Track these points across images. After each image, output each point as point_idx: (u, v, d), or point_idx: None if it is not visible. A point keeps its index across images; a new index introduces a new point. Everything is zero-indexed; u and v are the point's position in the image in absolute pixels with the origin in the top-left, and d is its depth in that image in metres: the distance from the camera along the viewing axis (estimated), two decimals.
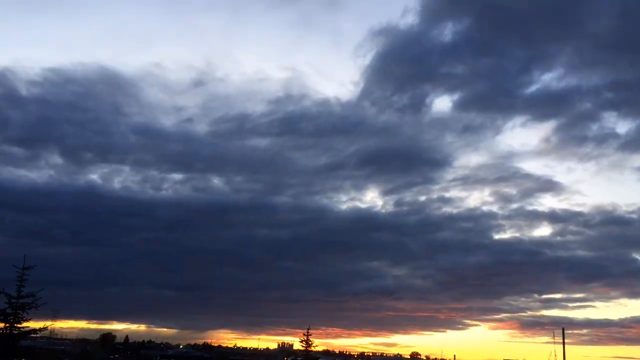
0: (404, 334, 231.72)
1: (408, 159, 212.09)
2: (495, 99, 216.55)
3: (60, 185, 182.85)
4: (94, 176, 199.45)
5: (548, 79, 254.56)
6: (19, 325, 25.64)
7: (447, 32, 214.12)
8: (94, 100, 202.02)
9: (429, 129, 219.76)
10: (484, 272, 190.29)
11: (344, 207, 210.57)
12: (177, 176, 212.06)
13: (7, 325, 25.55)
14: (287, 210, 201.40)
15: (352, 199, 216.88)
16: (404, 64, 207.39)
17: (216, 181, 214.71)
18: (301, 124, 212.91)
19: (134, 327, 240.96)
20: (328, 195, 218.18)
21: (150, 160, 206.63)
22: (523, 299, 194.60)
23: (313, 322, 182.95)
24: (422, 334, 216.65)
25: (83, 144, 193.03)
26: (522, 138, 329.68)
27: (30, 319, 25.90)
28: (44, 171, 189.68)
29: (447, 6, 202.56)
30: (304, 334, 57.50)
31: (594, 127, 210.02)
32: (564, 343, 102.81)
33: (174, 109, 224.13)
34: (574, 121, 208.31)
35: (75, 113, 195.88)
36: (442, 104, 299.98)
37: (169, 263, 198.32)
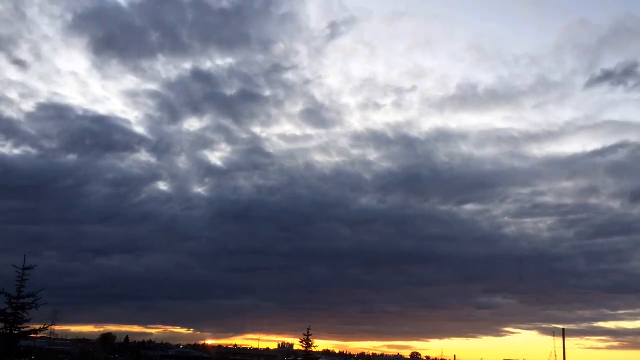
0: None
1: None
2: None
3: None
4: None
5: None
6: (19, 325, 25.61)
7: None
8: None
9: None
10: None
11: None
12: None
13: (7, 325, 25.53)
14: None
15: None
16: None
17: None
18: None
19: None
20: None
21: None
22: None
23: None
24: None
25: None
26: None
27: (30, 319, 25.90)
28: None
29: None
30: (304, 334, 57.41)
31: None
32: (564, 343, 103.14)
33: None
34: None
35: None
36: None
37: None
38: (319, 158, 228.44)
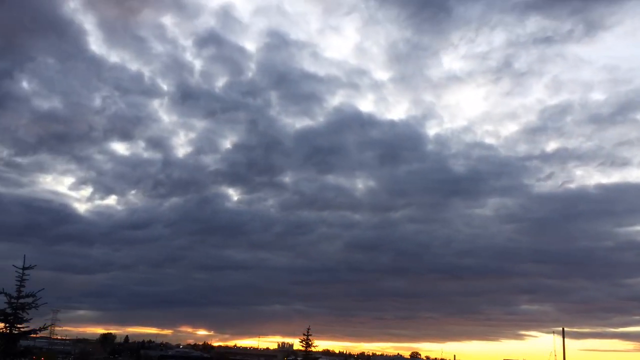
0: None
1: None
2: None
3: None
4: None
5: None
6: (19, 325, 25.63)
7: None
8: None
9: None
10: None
11: None
12: None
13: (7, 325, 25.54)
14: None
15: None
16: None
17: None
18: None
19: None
20: None
21: None
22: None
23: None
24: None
25: None
26: None
27: (30, 319, 25.91)
28: None
29: None
30: (304, 334, 57.31)
31: None
32: (563, 343, 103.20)
33: None
34: None
35: None
36: None
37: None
38: (478, 212, 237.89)
